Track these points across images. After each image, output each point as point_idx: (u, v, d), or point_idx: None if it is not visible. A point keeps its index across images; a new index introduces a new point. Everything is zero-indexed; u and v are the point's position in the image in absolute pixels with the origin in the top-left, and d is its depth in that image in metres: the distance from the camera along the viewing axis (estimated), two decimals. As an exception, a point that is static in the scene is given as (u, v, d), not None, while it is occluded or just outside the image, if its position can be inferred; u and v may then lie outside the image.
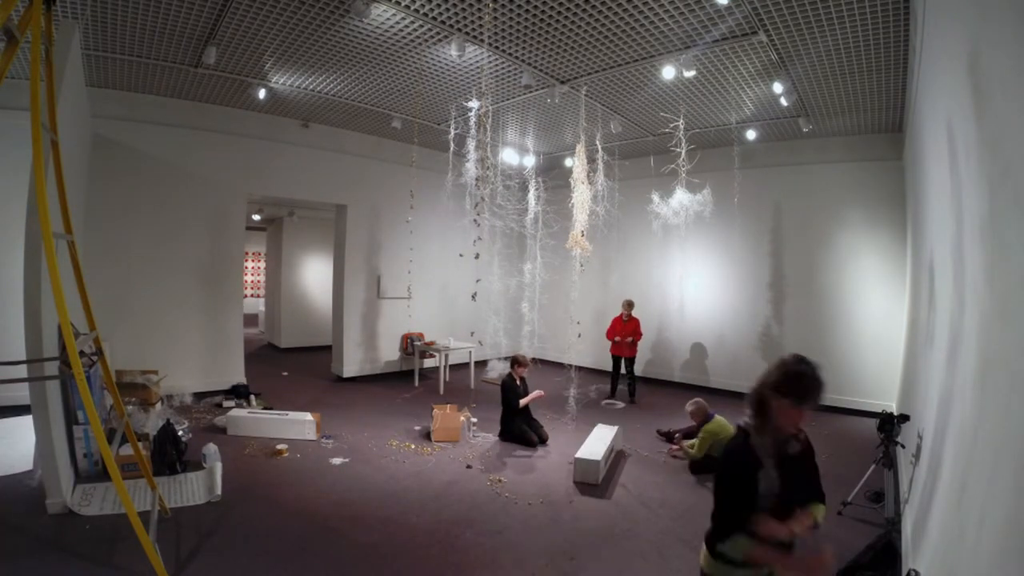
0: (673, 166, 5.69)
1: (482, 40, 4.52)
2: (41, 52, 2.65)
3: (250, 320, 12.73)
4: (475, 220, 4.98)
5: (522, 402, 5.41)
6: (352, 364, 7.99)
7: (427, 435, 5.42)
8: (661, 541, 3.43)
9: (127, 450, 3.75)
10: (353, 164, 7.89)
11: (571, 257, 5.51)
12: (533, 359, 7.39)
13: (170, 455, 4.21)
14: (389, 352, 8.48)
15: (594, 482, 4.32)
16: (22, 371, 3.20)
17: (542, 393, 5.61)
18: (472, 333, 8.24)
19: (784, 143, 7.31)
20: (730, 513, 1.71)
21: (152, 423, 4.51)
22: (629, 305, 7.28)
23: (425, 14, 4.22)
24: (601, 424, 5.38)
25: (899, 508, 3.54)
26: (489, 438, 5.49)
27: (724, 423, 4.72)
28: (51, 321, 3.28)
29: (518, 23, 4.31)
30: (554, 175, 8.96)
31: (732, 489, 1.73)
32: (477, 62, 5.13)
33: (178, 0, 4.03)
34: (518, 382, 5.53)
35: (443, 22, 4.33)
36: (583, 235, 5.37)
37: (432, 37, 4.61)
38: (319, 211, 10.58)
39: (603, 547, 3.34)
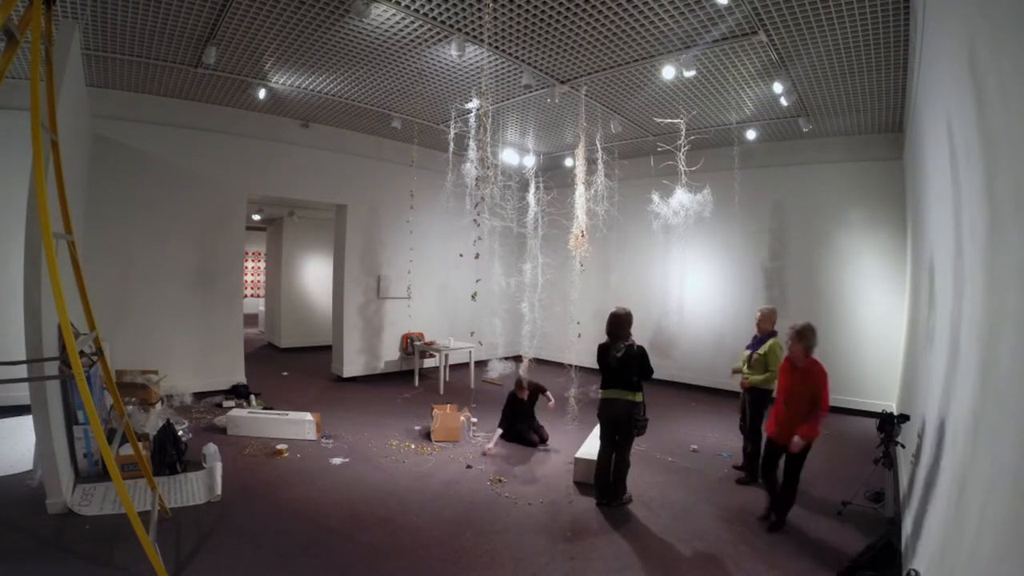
0: (672, 163, 5.68)
1: (482, 40, 4.52)
2: (41, 52, 2.64)
3: (250, 320, 12.72)
4: (475, 220, 4.97)
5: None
6: (352, 364, 7.99)
7: (427, 435, 5.42)
8: (661, 541, 3.43)
9: (127, 450, 3.75)
10: (353, 164, 7.89)
11: (571, 257, 5.50)
12: (533, 359, 7.38)
13: (170, 455, 4.21)
14: (389, 352, 8.48)
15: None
16: (22, 371, 3.20)
17: (550, 402, 5.57)
18: (472, 333, 8.24)
19: (784, 143, 7.31)
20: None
21: (152, 423, 4.50)
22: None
23: (425, 14, 4.22)
24: (601, 424, 5.37)
25: (899, 508, 3.54)
26: (489, 438, 5.48)
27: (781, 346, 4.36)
28: (51, 321, 3.27)
29: (518, 23, 4.31)
30: (554, 175, 8.96)
31: (599, 361, 4.03)
32: (477, 62, 5.13)
33: (178, 0, 4.03)
34: (524, 401, 5.47)
35: (443, 22, 4.33)
36: (583, 235, 5.37)
37: (432, 37, 4.61)
38: (319, 211, 10.58)
39: (603, 547, 3.34)
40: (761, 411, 4.46)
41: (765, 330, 4.59)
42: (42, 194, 2.52)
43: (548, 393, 5.51)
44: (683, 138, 5.57)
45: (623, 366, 3.85)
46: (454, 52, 4.52)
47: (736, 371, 4.80)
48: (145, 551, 2.60)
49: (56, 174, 3.05)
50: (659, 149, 5.82)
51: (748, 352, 4.65)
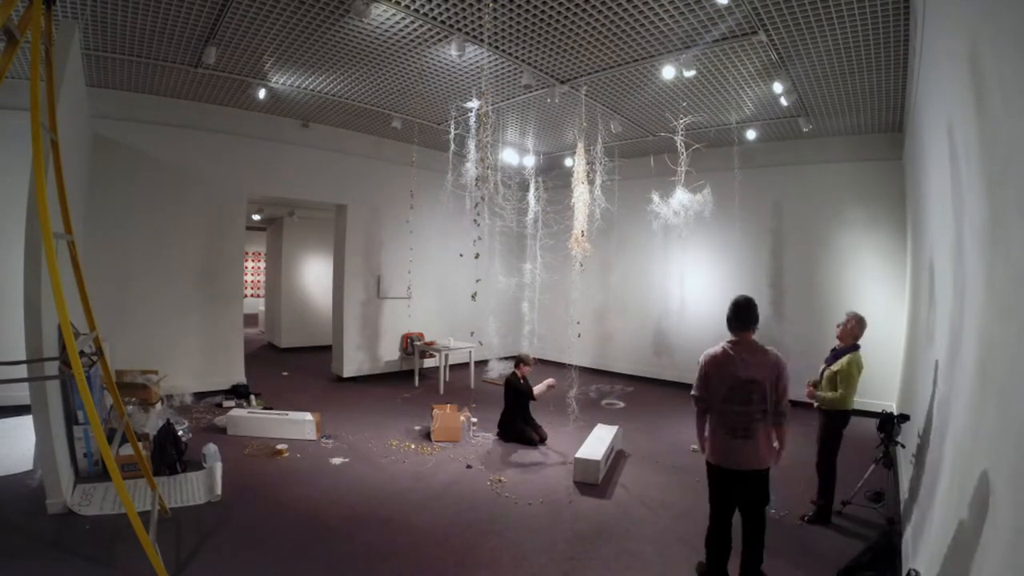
0: (676, 175, 5.67)
1: (482, 40, 4.52)
2: (41, 52, 2.64)
3: (250, 320, 12.73)
4: (475, 220, 4.98)
5: (536, 391, 5.34)
6: (352, 364, 7.99)
7: (427, 435, 5.42)
8: (661, 541, 3.43)
9: (127, 450, 3.75)
10: (353, 164, 7.89)
11: (571, 257, 5.51)
12: (535, 359, 7.36)
13: (170, 455, 4.21)
14: (389, 352, 8.48)
15: (594, 482, 4.32)
16: (22, 371, 3.21)
17: (554, 382, 5.49)
18: (472, 333, 8.24)
19: (784, 143, 7.31)
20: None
21: (152, 423, 4.51)
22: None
23: (425, 14, 4.22)
24: (601, 424, 5.38)
25: (899, 508, 3.54)
26: (489, 438, 5.49)
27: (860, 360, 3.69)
28: (51, 321, 3.28)
29: (518, 23, 4.31)
30: (554, 175, 8.97)
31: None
32: (477, 62, 5.13)
33: (178, 0, 4.03)
34: (522, 381, 5.52)
35: (443, 22, 4.33)
36: (583, 235, 5.37)
37: (432, 37, 4.61)
38: (319, 211, 10.58)
39: (603, 547, 3.34)
40: (835, 439, 3.81)
41: (847, 342, 3.78)
42: (42, 194, 2.52)
43: (541, 386, 5.43)
44: (682, 142, 5.56)
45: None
46: (454, 52, 4.52)
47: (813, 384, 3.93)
48: (145, 551, 2.60)
49: (56, 174, 3.04)
50: (659, 149, 5.80)
51: (823, 367, 3.90)
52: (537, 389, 5.39)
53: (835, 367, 3.72)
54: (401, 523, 3.55)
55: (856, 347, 3.75)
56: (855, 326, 3.77)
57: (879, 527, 3.55)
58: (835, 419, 3.76)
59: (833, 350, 3.90)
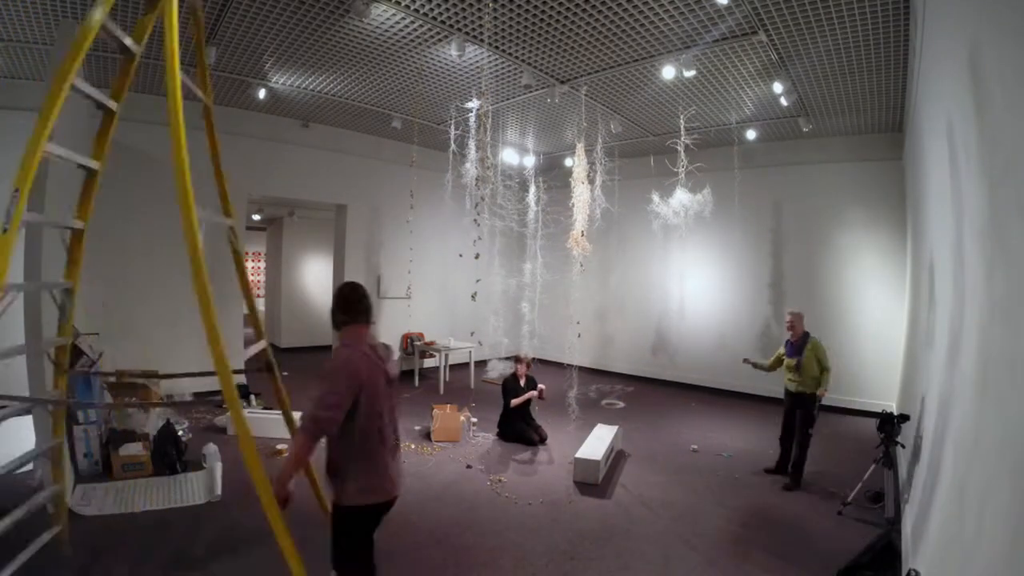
0: (677, 175, 5.66)
1: (482, 40, 4.52)
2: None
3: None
4: (475, 220, 4.98)
5: (513, 403, 5.38)
6: (352, 364, 7.97)
7: (427, 435, 5.42)
8: (661, 541, 3.43)
9: (128, 450, 3.76)
10: (353, 164, 7.89)
11: (571, 257, 5.51)
12: (533, 359, 7.35)
13: (170, 455, 4.21)
14: (389, 352, 8.46)
15: (594, 482, 4.32)
16: (22, 370, 3.20)
17: (535, 393, 5.48)
18: (472, 333, 8.24)
19: (784, 143, 7.31)
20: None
21: (152, 423, 4.51)
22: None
23: (425, 14, 4.22)
24: (601, 424, 5.38)
25: (899, 508, 3.54)
26: (489, 438, 5.49)
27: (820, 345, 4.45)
28: (51, 321, 3.27)
29: (518, 23, 4.31)
30: (554, 175, 8.96)
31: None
32: (477, 62, 5.13)
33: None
34: (522, 382, 5.51)
35: (443, 22, 4.33)
36: (583, 235, 5.37)
37: (432, 37, 4.61)
38: (319, 211, 10.57)
39: (603, 547, 3.34)
40: (814, 415, 4.39)
41: (800, 332, 4.55)
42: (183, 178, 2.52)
43: (520, 399, 5.44)
44: (682, 141, 5.56)
45: None
46: (454, 52, 4.52)
47: (748, 362, 5.00)
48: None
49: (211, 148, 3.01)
50: (659, 149, 5.80)
51: (794, 360, 4.51)
52: (515, 401, 5.39)
53: (804, 358, 4.42)
54: (401, 523, 3.54)
55: (808, 336, 4.51)
56: (792, 320, 4.59)
57: (879, 527, 3.55)
58: (812, 401, 4.40)
59: (788, 342, 4.61)
